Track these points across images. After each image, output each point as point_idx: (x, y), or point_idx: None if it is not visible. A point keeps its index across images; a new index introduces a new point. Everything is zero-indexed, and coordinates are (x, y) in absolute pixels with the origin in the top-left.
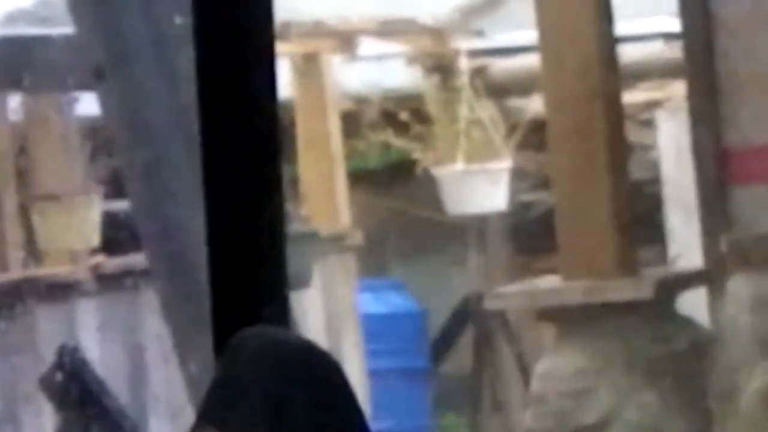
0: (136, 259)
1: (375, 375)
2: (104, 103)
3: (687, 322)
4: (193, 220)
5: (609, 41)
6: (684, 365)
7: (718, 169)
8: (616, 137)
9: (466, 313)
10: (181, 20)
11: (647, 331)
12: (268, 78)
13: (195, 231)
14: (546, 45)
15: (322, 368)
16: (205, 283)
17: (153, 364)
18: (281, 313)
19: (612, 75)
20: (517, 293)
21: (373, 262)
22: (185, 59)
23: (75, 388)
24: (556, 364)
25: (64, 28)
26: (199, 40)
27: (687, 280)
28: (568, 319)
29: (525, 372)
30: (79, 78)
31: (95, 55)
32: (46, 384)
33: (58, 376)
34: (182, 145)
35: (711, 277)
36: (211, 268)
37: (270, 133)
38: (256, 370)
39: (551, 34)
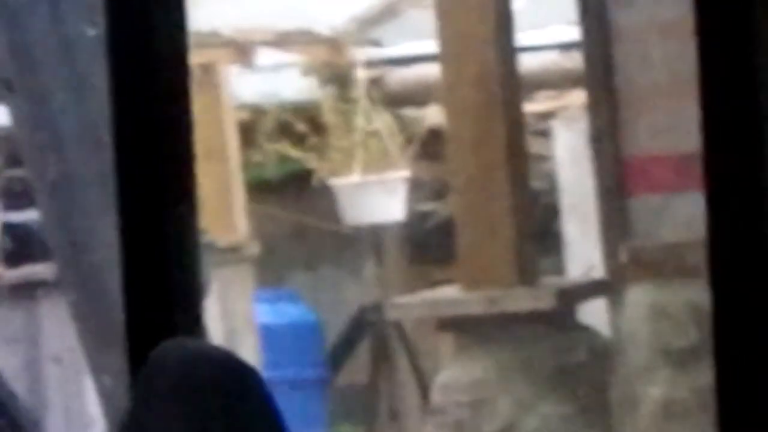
0: (36, 270)
1: (272, 385)
2: (15, 115)
3: (587, 332)
4: (104, 232)
5: (508, 51)
6: (584, 375)
7: (616, 179)
8: (515, 147)
9: (363, 324)
10: (94, 32)
11: (548, 341)
12: (182, 89)
13: (106, 243)
14: (446, 55)
15: (242, 385)
16: (117, 294)
17: (53, 374)
18: (195, 321)
19: (511, 85)
20: (417, 303)
21: (270, 272)
22: (96, 72)
23: None
24: (456, 375)
25: None
26: (112, 52)
27: (587, 290)
28: (468, 330)
29: (422, 382)
30: None
31: (5, 68)
32: None
33: None
34: (93, 158)
35: (611, 286)
36: (124, 278)
37: (183, 144)
38: (174, 383)
39: (451, 44)
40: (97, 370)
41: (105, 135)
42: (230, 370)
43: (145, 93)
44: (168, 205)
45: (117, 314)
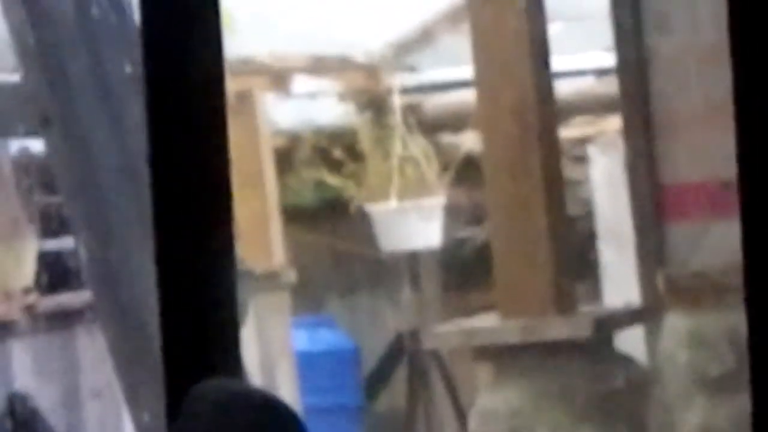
0: (73, 298)
1: (309, 412)
2: (51, 150)
3: (624, 360)
4: (142, 265)
5: (544, 77)
6: (622, 403)
7: (653, 205)
8: (552, 173)
9: (400, 350)
10: (130, 69)
11: (585, 369)
12: (219, 126)
13: (143, 276)
14: (481, 81)
15: (282, 422)
16: (154, 329)
17: (89, 404)
18: (233, 358)
19: (548, 111)
20: (454, 332)
21: (307, 299)
22: (133, 107)
23: None
24: (494, 403)
25: (11, 74)
26: (149, 88)
27: (624, 318)
28: (505, 358)
29: (459, 409)
30: (26, 125)
31: (42, 103)
32: None
33: (8, 424)
34: (130, 192)
35: (648, 314)
36: (161, 313)
37: (220, 175)
38: (212, 425)
39: (487, 70)
40: (134, 406)
41: (141, 168)
42: (269, 414)
43: (182, 124)
44: (206, 239)
45: (155, 349)
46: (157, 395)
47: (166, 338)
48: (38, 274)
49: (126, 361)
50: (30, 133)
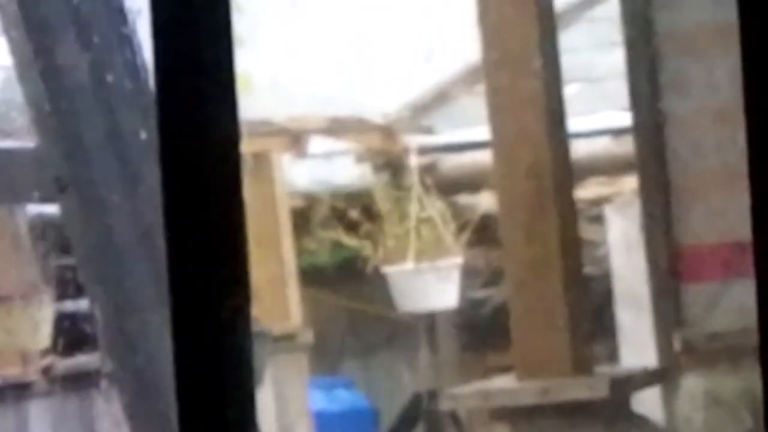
0: (88, 360)
1: None
2: (67, 215)
3: (641, 421)
4: (158, 330)
5: (560, 139)
6: None
7: (669, 266)
8: (569, 235)
9: (417, 411)
10: (145, 135)
11: (602, 431)
12: (234, 188)
13: (160, 343)
14: (497, 143)
15: None
16: (171, 396)
17: None
18: (249, 421)
19: (564, 172)
20: (472, 393)
21: (324, 360)
22: (148, 172)
23: None
24: None
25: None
26: (164, 153)
27: (641, 379)
28: (523, 419)
29: None
30: (42, 191)
31: (58, 169)
32: None
33: None
34: (145, 257)
35: (664, 375)
36: (177, 378)
37: (236, 237)
38: None
39: (503, 132)
40: None
41: (157, 233)
42: None
43: (197, 187)
44: (221, 301)
45: (171, 414)
46: None
47: (182, 403)
48: (55, 336)
49: (142, 427)
50: (45, 198)
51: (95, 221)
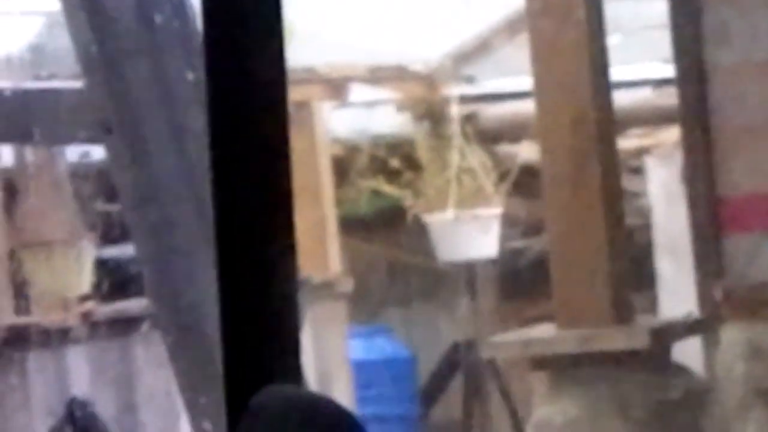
0: (128, 306)
1: (365, 422)
2: (112, 157)
3: (682, 371)
4: (202, 273)
5: (603, 89)
6: (679, 414)
7: (711, 217)
8: (611, 185)
9: (456, 360)
10: (192, 76)
11: (642, 380)
12: (281, 134)
13: (204, 287)
14: (540, 92)
15: (346, 429)
16: (215, 336)
17: (144, 411)
18: (294, 366)
19: (607, 122)
20: (512, 342)
21: (364, 308)
22: (194, 115)
23: None
24: (551, 414)
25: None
26: (212, 95)
27: (681, 329)
28: (563, 368)
29: (514, 420)
30: (88, 132)
31: (104, 110)
32: None
33: (68, 430)
34: (191, 200)
35: (705, 325)
36: (222, 322)
37: (282, 185)
38: None
39: (546, 81)
40: (195, 414)
41: (203, 176)
42: (333, 420)
43: (244, 134)
44: (267, 247)
45: (216, 357)
46: (217, 403)
47: (227, 346)
48: (95, 282)
49: (186, 370)
50: (91, 140)
51: (141, 164)
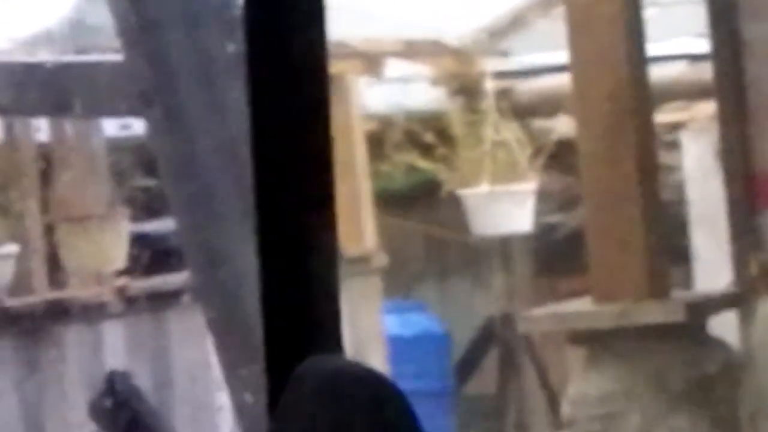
0: (163, 281)
1: None
2: (152, 129)
3: (718, 345)
4: (242, 244)
5: (640, 62)
6: (715, 388)
7: (746, 192)
8: (647, 159)
9: (491, 335)
10: (233, 48)
11: (678, 354)
12: (321, 106)
13: (243, 256)
14: (576, 66)
15: (388, 400)
16: (255, 310)
17: (180, 385)
18: (334, 338)
19: (643, 96)
20: (548, 316)
21: (398, 283)
22: (234, 86)
23: (126, 415)
24: (587, 388)
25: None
26: (252, 68)
27: (718, 303)
28: (599, 342)
29: (549, 394)
30: (128, 105)
31: (143, 82)
32: (96, 410)
33: (108, 402)
34: (230, 171)
35: (741, 299)
36: (262, 293)
37: (322, 156)
38: (321, 404)
39: (582, 55)
40: (234, 386)
41: (242, 147)
42: (378, 389)
43: (284, 106)
44: (307, 218)
45: (255, 329)
46: (258, 375)
47: (268, 318)
48: (131, 257)
49: (226, 342)
50: (131, 112)
51: (180, 135)
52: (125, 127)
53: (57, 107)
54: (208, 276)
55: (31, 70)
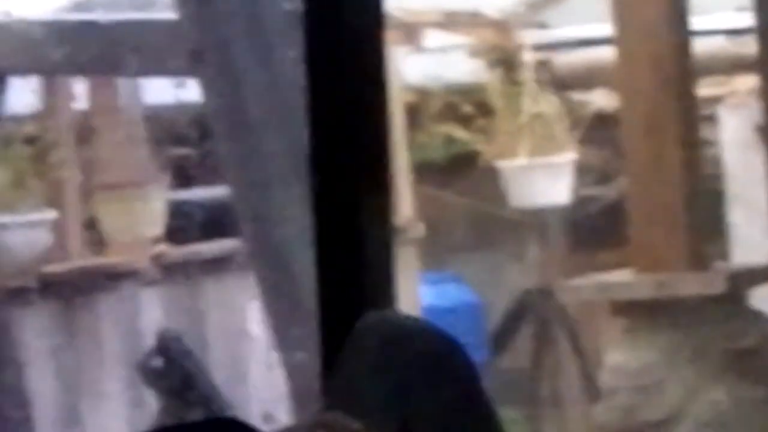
0: (200, 249)
1: None
2: (204, 89)
3: (758, 317)
4: (294, 206)
5: (683, 35)
6: (754, 360)
7: None
8: (688, 132)
9: (526, 307)
10: (288, 8)
11: (718, 326)
12: (377, 66)
13: (296, 218)
14: (620, 38)
15: (449, 353)
16: (306, 269)
17: (216, 353)
18: (387, 297)
19: (686, 69)
20: (588, 286)
21: (434, 254)
22: (287, 46)
23: (177, 374)
24: (626, 359)
25: (166, 13)
26: (309, 27)
27: (758, 275)
28: (638, 313)
29: (584, 366)
30: (181, 63)
31: (197, 41)
32: (146, 370)
33: (158, 362)
34: (283, 131)
35: None
36: (318, 254)
37: (377, 119)
38: (382, 356)
39: (625, 27)
40: (285, 346)
41: (296, 107)
42: (439, 341)
43: (341, 67)
44: (362, 179)
45: (308, 289)
46: (309, 334)
47: (322, 277)
48: (168, 225)
49: (277, 302)
50: (183, 71)
51: (232, 94)
52: (180, 83)
53: (110, 66)
54: (260, 237)
55: (84, 28)
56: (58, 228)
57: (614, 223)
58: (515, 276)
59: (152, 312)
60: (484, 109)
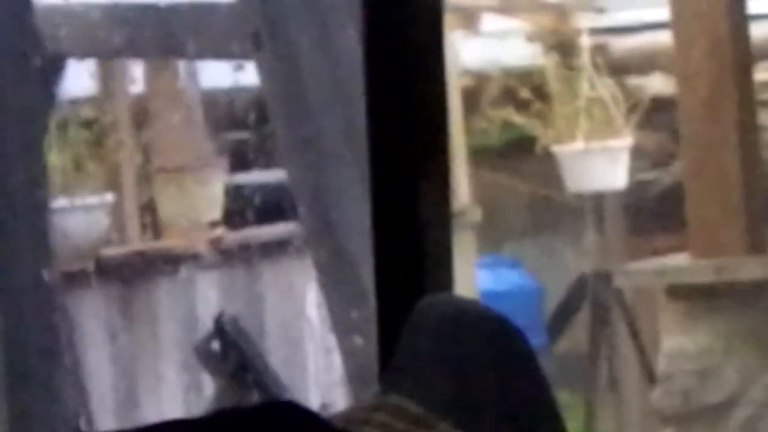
0: (258, 233)
1: None
2: (262, 72)
3: None
4: (352, 188)
5: (741, 18)
6: None
7: None
8: (747, 116)
9: (583, 291)
10: None
11: None
12: (436, 51)
13: (353, 201)
14: (678, 22)
15: (508, 336)
16: (363, 252)
17: (273, 337)
18: (446, 281)
19: (744, 53)
20: (646, 270)
21: (491, 239)
22: (345, 28)
23: (234, 357)
24: (683, 343)
25: None
26: (367, 11)
27: None
28: (696, 298)
29: (641, 351)
30: (240, 47)
31: (256, 25)
32: (203, 353)
33: (215, 346)
34: (340, 114)
35: None
36: (375, 237)
37: (436, 102)
38: (441, 339)
39: (683, 10)
40: (343, 330)
41: (353, 89)
42: (498, 325)
43: (400, 50)
44: (420, 161)
45: (364, 272)
46: (366, 317)
47: (379, 261)
48: (226, 209)
49: (335, 285)
50: (242, 54)
51: (291, 78)
52: (239, 66)
53: (169, 49)
54: (318, 220)
55: (143, 11)
56: (116, 212)
57: (671, 207)
58: (572, 260)
59: (210, 296)
60: (541, 94)
